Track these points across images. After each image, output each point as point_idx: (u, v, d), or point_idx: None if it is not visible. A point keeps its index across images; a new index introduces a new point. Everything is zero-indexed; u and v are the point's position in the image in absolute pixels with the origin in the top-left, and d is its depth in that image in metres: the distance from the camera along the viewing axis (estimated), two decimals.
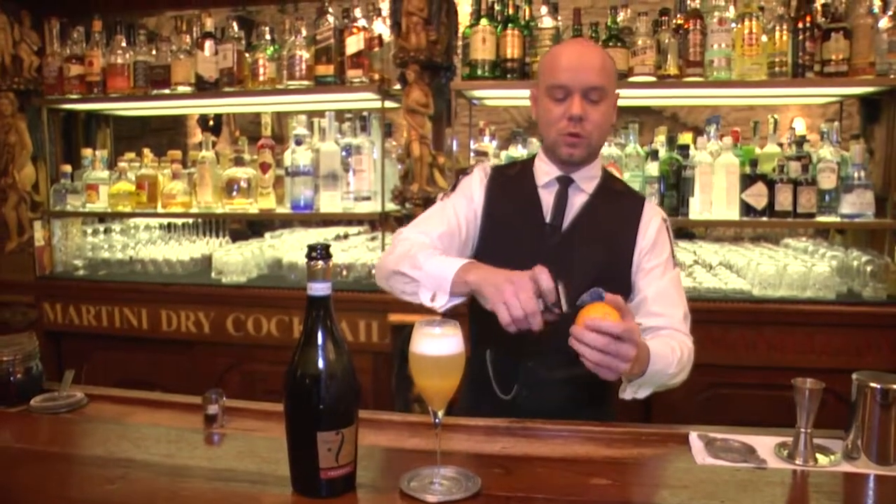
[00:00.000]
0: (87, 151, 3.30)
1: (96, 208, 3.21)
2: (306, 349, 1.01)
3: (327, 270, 1.01)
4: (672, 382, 1.46)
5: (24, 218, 3.21)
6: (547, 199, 1.63)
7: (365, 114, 2.98)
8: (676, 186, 2.67)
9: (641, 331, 1.50)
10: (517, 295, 1.25)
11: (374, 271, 2.90)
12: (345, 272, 2.93)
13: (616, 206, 1.66)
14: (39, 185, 3.26)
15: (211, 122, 5.29)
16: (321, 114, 2.98)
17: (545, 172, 1.66)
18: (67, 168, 3.25)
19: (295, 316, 2.83)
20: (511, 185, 1.69)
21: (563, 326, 1.50)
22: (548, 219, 1.61)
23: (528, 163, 1.74)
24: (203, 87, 2.97)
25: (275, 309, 2.87)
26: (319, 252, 1.00)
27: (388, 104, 2.94)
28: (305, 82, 2.86)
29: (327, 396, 1.00)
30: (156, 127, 5.92)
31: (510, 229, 1.63)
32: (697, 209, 2.69)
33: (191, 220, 3.36)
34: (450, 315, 1.28)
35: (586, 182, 1.65)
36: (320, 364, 1.00)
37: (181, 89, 2.98)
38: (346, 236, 3.55)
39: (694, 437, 1.28)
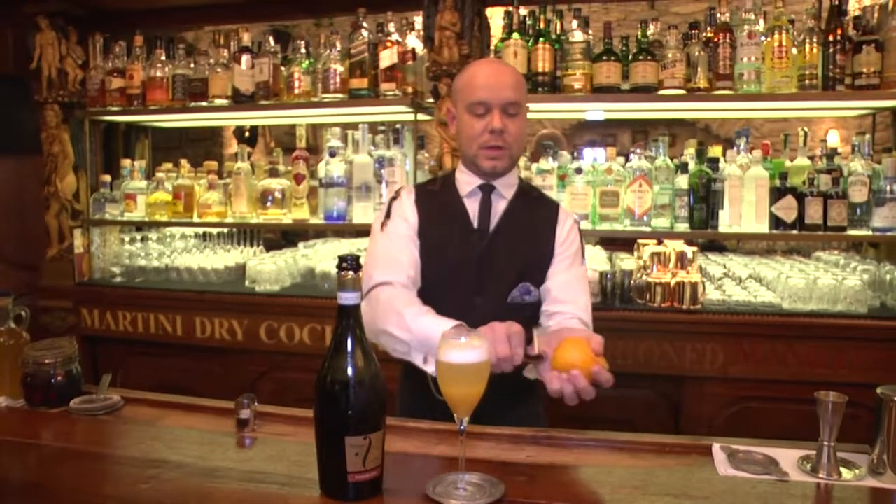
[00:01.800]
0: (126, 162, 3.40)
1: (134, 217, 3.31)
2: (336, 356, 1.05)
3: (357, 281, 1.05)
4: None
5: (64, 226, 3.32)
6: (472, 207, 1.74)
7: (398, 126, 3.03)
8: (706, 199, 2.66)
9: (546, 316, 1.68)
10: (496, 347, 1.32)
11: None
12: None
13: (534, 209, 1.78)
14: (80, 194, 3.37)
15: (247, 134, 5.40)
16: (355, 126, 3.03)
17: (467, 183, 1.76)
18: (107, 178, 3.35)
19: (327, 325, 2.88)
20: (437, 198, 1.78)
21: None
22: (475, 224, 1.72)
23: (449, 177, 1.83)
24: (239, 100, 3.05)
25: (307, 318, 2.92)
26: (350, 263, 1.04)
27: (421, 117, 2.99)
28: (340, 95, 2.92)
29: (356, 402, 1.03)
30: (193, 137, 6.06)
31: (444, 238, 1.72)
32: (727, 222, 2.69)
33: (226, 230, 3.43)
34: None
35: (506, 189, 1.76)
36: (349, 371, 1.04)
37: (218, 102, 3.06)
38: None
39: (717, 448, 1.29)
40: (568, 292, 1.68)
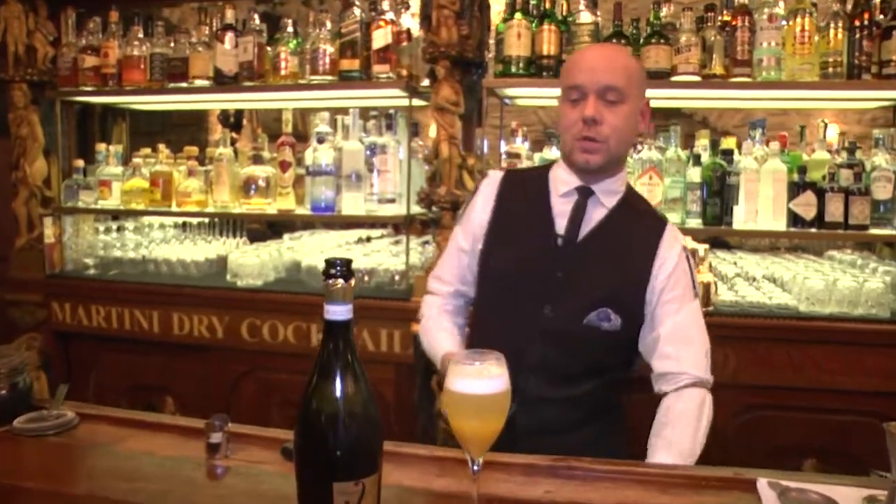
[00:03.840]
0: (101, 146, 3.19)
1: (109, 205, 3.10)
2: (321, 384, 0.85)
3: (348, 290, 0.85)
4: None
5: (34, 214, 3.10)
6: (562, 209, 1.53)
7: (391, 112, 2.84)
8: (720, 194, 2.50)
9: (654, 379, 1.50)
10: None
11: (397, 278, 2.77)
12: (366, 278, 2.79)
13: (636, 226, 1.55)
14: (52, 180, 3.16)
15: (232, 119, 5.18)
16: (345, 111, 2.84)
17: (564, 181, 1.56)
18: (80, 163, 3.14)
19: (313, 323, 2.70)
20: (525, 190, 1.61)
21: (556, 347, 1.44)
22: (561, 230, 1.51)
23: (546, 169, 1.64)
24: (222, 82, 2.85)
25: (292, 315, 2.74)
26: (339, 269, 0.84)
27: (416, 102, 2.80)
28: (329, 77, 2.73)
29: (347, 440, 0.84)
30: (176, 122, 5.82)
31: (518, 238, 1.55)
32: (742, 219, 2.52)
33: (206, 220, 3.23)
34: None
35: (607, 196, 1.54)
36: (338, 401, 0.85)
37: (199, 83, 2.86)
38: (368, 239, 3.41)
39: (763, 484, 1.12)
40: (678, 344, 1.48)
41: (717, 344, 2.42)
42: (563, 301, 1.49)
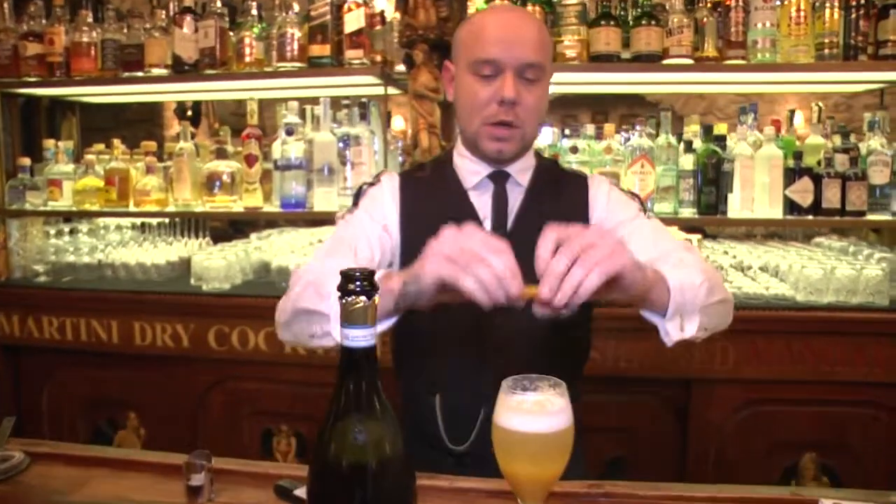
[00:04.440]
0: (50, 142, 2.95)
1: (60, 206, 2.86)
2: (344, 427, 0.69)
3: (371, 309, 0.69)
4: (712, 300, 1.16)
5: None
6: (481, 203, 1.38)
7: (364, 101, 2.66)
8: (715, 182, 2.38)
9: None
10: (483, 256, 0.97)
11: None
12: None
13: (561, 192, 1.41)
14: None
15: (189, 113, 4.91)
16: (315, 101, 2.65)
17: (472, 172, 1.39)
18: (26, 161, 2.89)
19: None
20: (431, 192, 1.41)
21: (512, 357, 1.25)
22: (488, 226, 1.35)
23: (445, 163, 1.46)
24: (181, 70, 2.63)
25: (263, 320, 2.53)
26: (359, 283, 0.67)
27: (391, 91, 2.63)
28: (298, 64, 2.54)
29: (374, 496, 0.68)
30: (130, 118, 5.51)
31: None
32: (737, 207, 2.42)
33: (167, 220, 3.02)
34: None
35: (522, 174, 1.40)
36: (365, 453, 0.68)
37: (155, 72, 2.64)
38: None
39: None
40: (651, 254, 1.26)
41: (716, 338, 2.32)
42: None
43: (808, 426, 2.37)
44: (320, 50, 2.52)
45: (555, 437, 0.79)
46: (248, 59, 2.58)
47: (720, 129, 2.51)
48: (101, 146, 2.98)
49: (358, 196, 1.43)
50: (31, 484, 1.10)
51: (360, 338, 0.69)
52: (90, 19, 2.73)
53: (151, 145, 2.84)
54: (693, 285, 1.13)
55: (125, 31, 2.72)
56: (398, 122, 5.51)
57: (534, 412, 0.79)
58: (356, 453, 0.68)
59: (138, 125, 5.28)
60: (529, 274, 1.34)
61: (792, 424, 2.36)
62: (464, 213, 1.33)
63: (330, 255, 1.29)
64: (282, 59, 2.55)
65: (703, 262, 1.24)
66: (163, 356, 2.62)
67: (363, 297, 0.68)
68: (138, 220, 3.07)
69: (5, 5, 2.83)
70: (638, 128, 2.48)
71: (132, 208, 2.77)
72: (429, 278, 1.00)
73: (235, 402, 2.59)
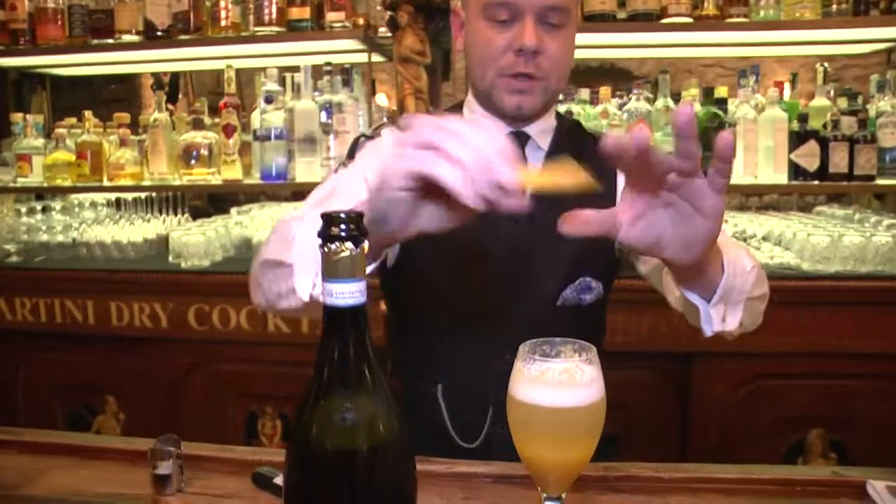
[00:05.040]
0: (17, 116, 2.80)
1: (30, 182, 2.72)
2: (325, 409, 0.57)
3: (360, 260, 0.56)
4: (756, 293, 1.01)
5: None
6: None
7: (347, 67, 2.53)
8: None
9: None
10: (461, 135, 0.70)
11: None
12: None
13: (584, 156, 1.22)
14: None
15: (166, 88, 4.72)
16: (295, 70, 2.51)
17: None
18: None
19: None
20: None
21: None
22: None
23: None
24: (153, 36, 2.49)
25: (245, 298, 2.37)
26: (345, 227, 0.55)
27: (375, 58, 2.50)
28: (276, 28, 2.41)
29: (370, 488, 0.56)
30: (107, 98, 5.33)
31: None
32: (740, 172, 2.31)
33: (143, 196, 2.88)
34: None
35: (543, 136, 1.23)
36: (356, 438, 0.56)
37: (126, 38, 2.50)
38: None
39: (881, 488, 0.88)
40: None
41: None
42: (527, 283, 1.18)
43: (815, 401, 2.27)
44: (299, 13, 2.39)
45: (585, 413, 0.67)
46: (223, 23, 2.44)
47: (721, 91, 2.40)
48: (74, 120, 2.84)
49: (354, 148, 1.27)
50: None
51: (347, 294, 0.56)
52: None
53: (125, 117, 2.71)
54: (744, 269, 0.97)
55: None
56: (381, 100, 5.35)
57: (561, 383, 0.66)
58: (342, 435, 0.56)
59: (115, 105, 5.07)
60: (550, 255, 1.22)
61: (798, 399, 2.27)
62: None
63: (315, 207, 1.09)
64: (259, 24, 2.42)
65: (746, 248, 1.09)
66: (141, 337, 2.50)
67: (349, 244, 0.55)
68: (113, 197, 2.93)
69: None
70: (635, 91, 2.36)
71: (106, 183, 2.63)
72: (394, 179, 0.73)
73: (218, 384, 2.48)
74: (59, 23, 2.57)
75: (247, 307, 2.41)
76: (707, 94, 2.35)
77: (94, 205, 3.01)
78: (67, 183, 2.65)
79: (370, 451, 0.56)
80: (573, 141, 1.25)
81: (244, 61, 2.77)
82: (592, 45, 2.54)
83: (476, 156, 0.67)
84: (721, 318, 0.96)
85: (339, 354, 0.57)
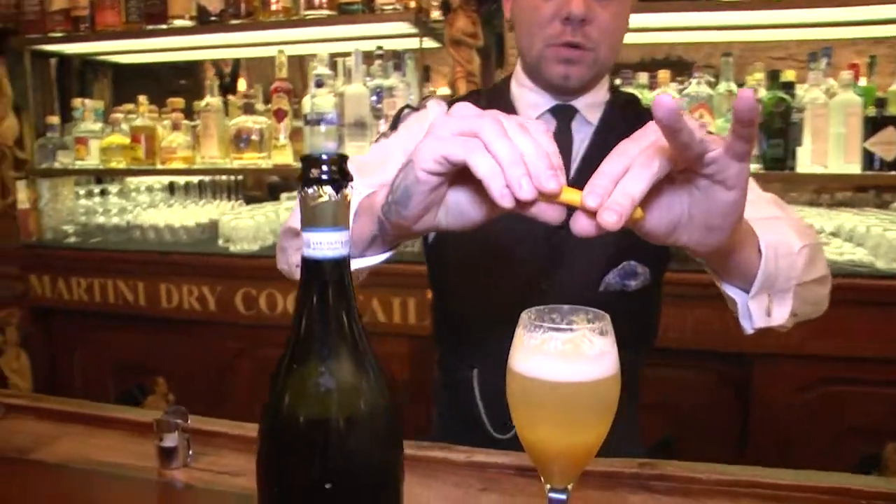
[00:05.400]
0: (77, 101, 2.86)
1: (87, 165, 2.78)
2: (300, 376, 0.52)
3: (343, 207, 0.50)
4: (810, 277, 0.89)
5: (7, 177, 2.79)
6: None
7: (399, 51, 2.49)
8: (783, 133, 2.14)
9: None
10: (504, 130, 0.64)
11: None
12: None
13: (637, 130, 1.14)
14: (24, 140, 2.84)
15: (227, 80, 4.80)
16: (347, 56, 2.49)
17: (531, 104, 1.16)
18: (54, 120, 2.81)
19: None
20: None
21: None
22: None
23: (502, 91, 1.22)
24: (206, 21, 2.50)
25: (293, 283, 2.40)
26: (325, 169, 0.49)
27: (428, 44, 2.44)
28: (326, 11, 2.38)
29: (344, 466, 0.50)
30: (174, 89, 5.45)
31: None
32: (808, 161, 2.17)
33: (195, 180, 2.91)
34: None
35: (592, 111, 1.16)
36: (332, 409, 0.51)
37: (178, 23, 2.51)
38: None
39: None
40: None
41: None
42: (566, 267, 1.11)
43: (886, 411, 2.11)
44: None
45: (591, 389, 0.58)
46: (274, 6, 2.43)
47: (788, 75, 2.26)
48: (131, 106, 2.88)
49: (397, 120, 1.23)
50: None
51: (325, 245, 0.50)
52: None
53: (179, 102, 2.73)
54: (790, 251, 0.85)
55: None
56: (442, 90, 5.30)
57: (564, 354, 0.58)
58: (317, 405, 0.51)
59: (180, 96, 5.20)
60: (594, 242, 1.13)
61: (870, 408, 2.11)
62: None
63: (357, 174, 1.08)
64: (310, 7, 2.39)
65: (800, 222, 0.96)
66: (189, 320, 2.52)
67: (328, 189, 0.49)
68: (166, 179, 2.96)
69: None
70: (696, 75, 2.24)
71: (158, 166, 2.66)
72: (425, 159, 0.67)
73: (264, 369, 2.46)
74: (117, 9, 2.61)
75: (294, 292, 2.39)
76: (773, 78, 2.21)
77: (149, 189, 3.06)
78: (122, 165, 2.69)
79: (347, 421, 0.51)
80: (626, 118, 1.16)
81: (296, 47, 2.75)
82: (652, 28, 2.43)
83: (515, 154, 0.62)
84: (765, 311, 0.85)
85: (315, 313, 0.51)
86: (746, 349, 2.11)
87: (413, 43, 2.50)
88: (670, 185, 0.67)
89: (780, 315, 0.86)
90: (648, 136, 0.64)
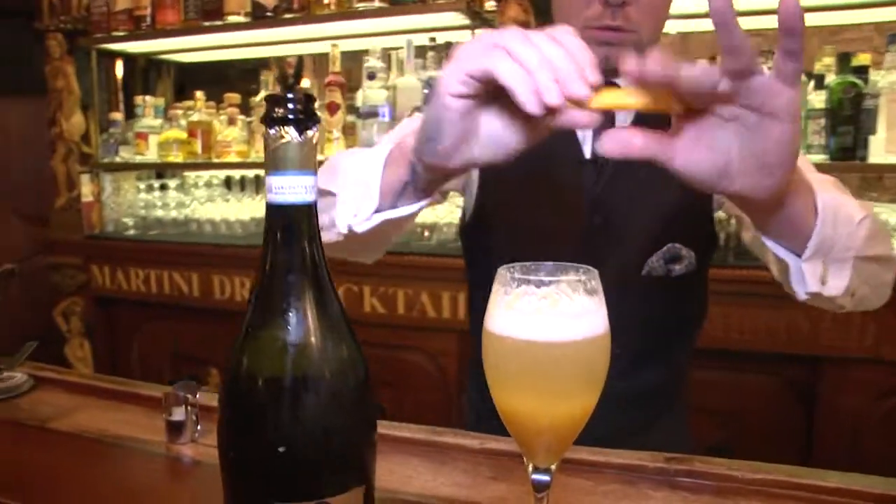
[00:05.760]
0: (139, 98, 2.94)
1: (146, 159, 2.85)
2: (257, 334, 0.49)
3: (309, 147, 0.47)
4: (870, 252, 0.80)
5: (73, 171, 2.89)
6: None
7: (452, 43, 2.46)
8: (853, 121, 2.01)
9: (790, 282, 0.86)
10: (528, 38, 0.61)
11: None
12: (427, 233, 2.43)
13: None
14: (90, 136, 2.93)
15: (291, 80, 4.87)
16: (399, 49, 2.47)
17: None
18: (117, 115, 2.90)
19: (366, 285, 2.36)
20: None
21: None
22: (586, 151, 1.04)
23: None
24: (260, 16, 2.53)
25: (343, 276, 2.39)
26: (289, 107, 0.46)
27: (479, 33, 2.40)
28: (378, 3, 2.37)
29: (298, 432, 0.46)
30: (232, 87, 5.56)
31: (530, 173, 1.03)
32: (881, 151, 2.03)
33: (252, 175, 2.94)
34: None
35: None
36: (287, 359, 0.47)
37: (233, 19, 2.55)
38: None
39: None
40: None
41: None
42: (607, 250, 1.04)
43: None
44: None
45: (570, 351, 0.51)
46: (327, 0, 2.43)
47: (862, 59, 2.12)
48: (190, 102, 2.94)
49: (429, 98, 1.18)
50: (23, 407, 1.00)
51: (287, 189, 0.47)
52: None
53: (235, 97, 2.77)
54: (849, 219, 0.77)
55: None
56: None
57: (540, 311, 0.52)
58: (273, 363, 0.48)
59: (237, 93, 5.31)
60: (634, 218, 1.04)
61: None
62: (558, 133, 1.05)
63: (388, 140, 1.02)
64: (362, 0, 2.38)
65: (861, 202, 0.87)
66: (241, 312, 2.52)
67: (290, 129, 0.46)
68: (222, 174, 3.00)
69: None
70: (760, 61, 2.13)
71: (214, 160, 2.70)
72: (451, 82, 0.64)
73: None
74: (175, 6, 2.66)
75: (344, 285, 2.39)
76: (843, 61, 2.08)
77: (209, 185, 3.12)
78: (179, 159, 2.74)
79: (305, 380, 0.47)
80: None
81: (350, 42, 2.75)
82: (684, 15, 2.30)
83: (542, 58, 0.59)
84: (819, 278, 0.76)
85: (277, 262, 0.49)
86: (815, 352, 1.99)
87: (465, 35, 2.46)
88: (716, 121, 0.61)
89: (836, 286, 0.77)
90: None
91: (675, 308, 1.09)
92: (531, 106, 0.58)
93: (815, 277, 0.76)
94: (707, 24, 0.66)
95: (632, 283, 1.03)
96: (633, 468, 0.77)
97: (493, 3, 2.31)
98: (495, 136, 0.68)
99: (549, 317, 0.52)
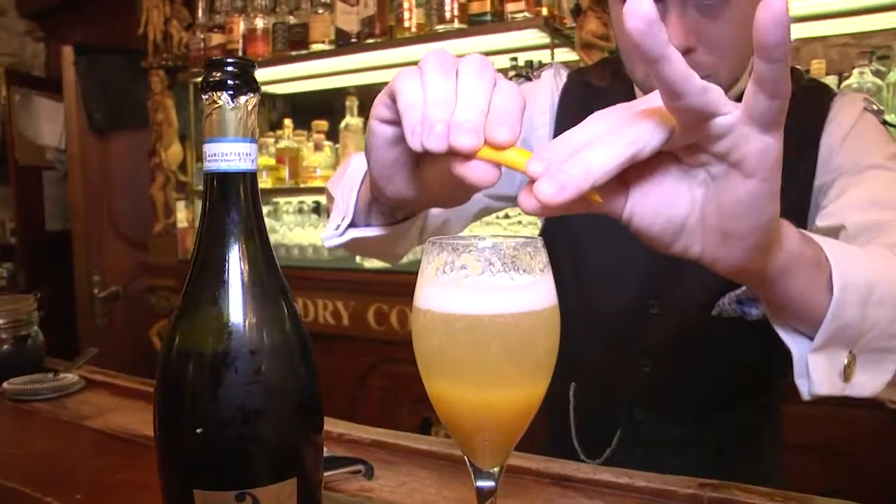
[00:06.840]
0: None
1: None
2: (189, 309, 0.46)
3: (244, 115, 0.45)
4: None
5: (170, 199, 3.04)
6: None
7: (531, 61, 2.43)
8: None
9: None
10: (451, 70, 0.51)
11: None
12: None
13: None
14: (188, 165, 3.07)
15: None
16: None
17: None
18: None
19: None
20: (601, 104, 0.92)
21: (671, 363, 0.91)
22: None
23: (627, 84, 0.98)
24: (343, 43, 2.58)
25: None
26: (229, 73, 0.44)
27: (561, 55, 2.37)
28: (457, 24, 2.38)
29: (222, 411, 0.44)
30: (320, 115, 5.73)
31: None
32: None
33: None
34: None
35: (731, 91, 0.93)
36: (217, 334, 0.45)
37: (316, 47, 2.62)
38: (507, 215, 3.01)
39: None
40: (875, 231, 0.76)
41: None
42: (670, 286, 0.95)
43: None
44: (480, 6, 2.33)
45: (498, 325, 0.45)
46: (407, 23, 2.46)
47: None
48: (280, 131, 3.04)
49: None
50: (68, 406, 1.04)
51: (219, 156, 0.45)
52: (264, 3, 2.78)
53: (322, 124, 2.84)
54: (889, 297, 0.60)
55: (294, 12, 2.74)
56: None
57: (459, 283, 0.46)
58: (203, 338, 0.45)
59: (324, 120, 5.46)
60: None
61: None
62: None
63: None
64: (441, 21, 2.40)
65: None
66: (324, 334, 2.57)
67: (224, 95, 0.45)
68: (310, 200, 3.07)
69: (200, 3, 2.98)
70: (858, 64, 1.99)
71: (300, 185, 2.77)
72: (374, 107, 0.56)
73: (394, 386, 2.46)
74: (265, 39, 2.77)
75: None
76: None
77: (301, 211, 3.19)
78: (268, 186, 2.82)
79: (227, 359, 0.44)
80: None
81: None
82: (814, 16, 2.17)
83: (446, 95, 0.49)
84: (838, 370, 0.60)
85: (211, 233, 0.47)
86: None
87: (545, 55, 2.44)
88: (677, 170, 0.49)
89: (867, 384, 0.61)
90: (652, 101, 0.47)
91: (752, 356, 0.97)
92: (412, 140, 0.49)
93: (831, 372, 0.60)
94: None
95: (700, 321, 0.94)
96: (662, 493, 0.69)
97: (570, 19, 2.27)
98: (426, 176, 0.58)
99: (471, 290, 0.46)
